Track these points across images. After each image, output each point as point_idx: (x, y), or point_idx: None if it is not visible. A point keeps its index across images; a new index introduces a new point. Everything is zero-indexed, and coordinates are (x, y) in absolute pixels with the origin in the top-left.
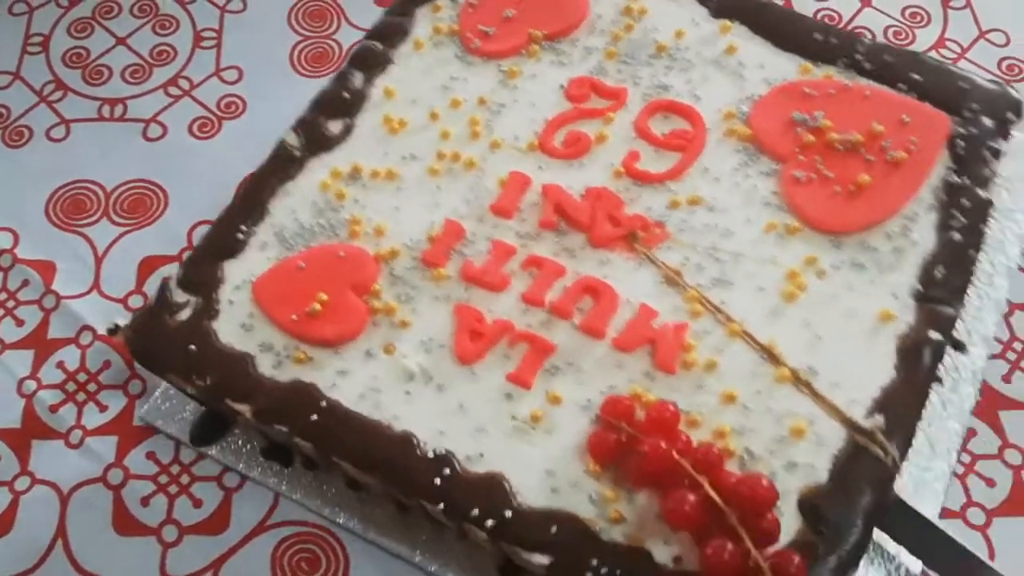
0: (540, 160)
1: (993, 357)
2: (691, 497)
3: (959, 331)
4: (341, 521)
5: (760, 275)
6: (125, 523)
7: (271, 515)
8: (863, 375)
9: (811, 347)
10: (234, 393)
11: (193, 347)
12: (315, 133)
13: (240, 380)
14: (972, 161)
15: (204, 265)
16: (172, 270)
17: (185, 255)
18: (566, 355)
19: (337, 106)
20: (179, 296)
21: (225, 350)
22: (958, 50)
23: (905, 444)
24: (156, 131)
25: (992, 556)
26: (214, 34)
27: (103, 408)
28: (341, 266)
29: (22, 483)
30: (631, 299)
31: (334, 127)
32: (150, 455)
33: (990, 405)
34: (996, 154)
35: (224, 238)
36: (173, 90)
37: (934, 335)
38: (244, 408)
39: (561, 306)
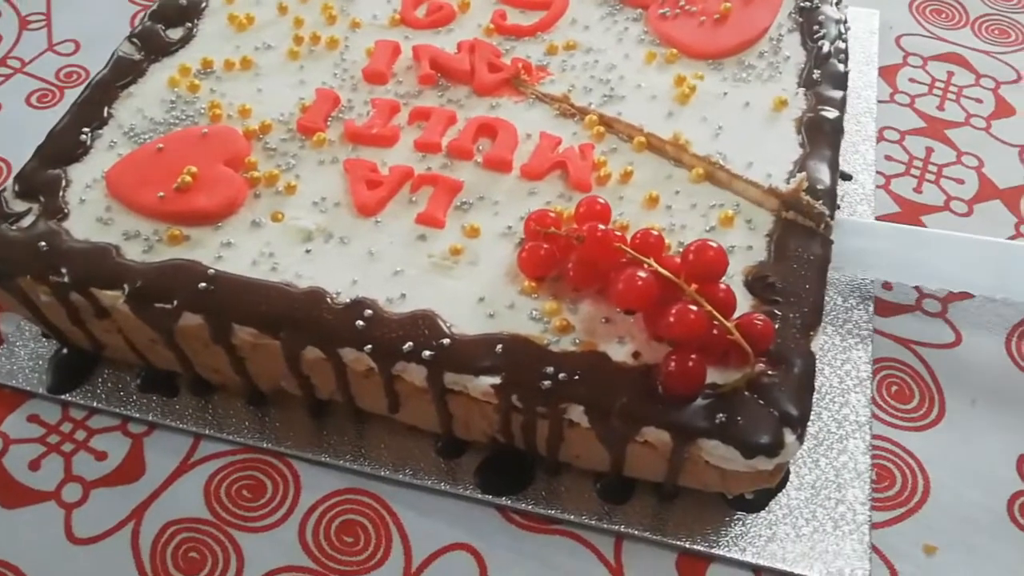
0: (405, 32)
1: (901, 175)
2: (641, 273)
3: (842, 164)
4: (236, 438)
5: (649, 87)
6: (12, 493)
7: (195, 450)
8: (772, 153)
9: (715, 137)
10: (100, 281)
11: (43, 244)
12: (154, 40)
13: (105, 268)
14: None
15: (42, 172)
16: None
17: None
18: (475, 191)
19: (175, 15)
20: (18, 206)
21: (82, 245)
22: None
23: (831, 204)
24: None
25: None
26: (42, 16)
27: None
28: (207, 142)
29: None
30: (531, 132)
31: (174, 34)
32: (32, 418)
33: (911, 213)
34: None
35: (63, 144)
36: (3, 70)
37: (829, 112)
38: (115, 295)
39: (459, 147)
